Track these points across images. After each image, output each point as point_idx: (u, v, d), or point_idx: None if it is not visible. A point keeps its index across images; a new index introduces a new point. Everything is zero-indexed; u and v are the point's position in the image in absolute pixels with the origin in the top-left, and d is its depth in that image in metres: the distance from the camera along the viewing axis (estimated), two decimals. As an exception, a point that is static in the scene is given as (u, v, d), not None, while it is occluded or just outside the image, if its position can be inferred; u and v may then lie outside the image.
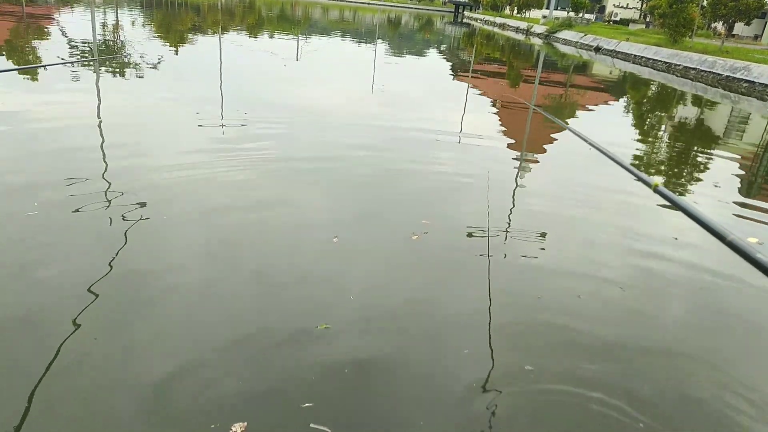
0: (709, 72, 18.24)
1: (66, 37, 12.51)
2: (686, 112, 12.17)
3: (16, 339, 2.35)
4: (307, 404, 2.13)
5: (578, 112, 10.57)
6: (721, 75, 17.63)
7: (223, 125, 6.10)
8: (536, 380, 2.41)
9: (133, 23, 17.55)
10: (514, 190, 5.03)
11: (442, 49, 23.58)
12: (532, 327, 2.84)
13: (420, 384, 2.32)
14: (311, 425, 2.04)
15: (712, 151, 7.98)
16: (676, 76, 18.71)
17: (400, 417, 2.14)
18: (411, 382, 2.33)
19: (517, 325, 2.84)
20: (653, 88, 16.37)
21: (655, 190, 2.00)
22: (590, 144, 2.58)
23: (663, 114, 11.68)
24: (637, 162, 6.87)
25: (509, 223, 4.18)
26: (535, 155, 6.61)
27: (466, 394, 2.29)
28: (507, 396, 2.31)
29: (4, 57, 9.27)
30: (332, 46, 19.16)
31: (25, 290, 2.70)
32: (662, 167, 6.86)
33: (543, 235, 4.02)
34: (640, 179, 2.32)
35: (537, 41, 32.80)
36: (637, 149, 7.68)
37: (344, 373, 2.33)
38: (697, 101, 13.95)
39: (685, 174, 6.60)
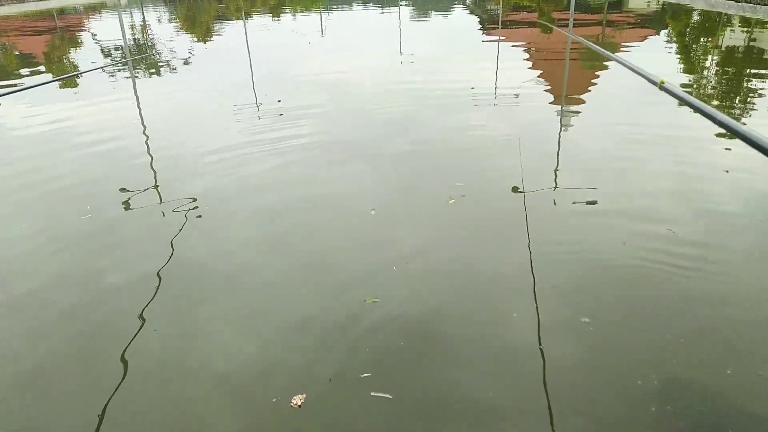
0: (758, -10, 16.98)
1: (98, 42, 12.82)
2: (735, 36, 11.43)
3: (88, 337, 2.48)
4: (365, 374, 2.17)
5: (618, 51, 10.10)
6: (771, -9, 16.38)
7: (259, 113, 6.17)
8: (594, 332, 2.37)
9: (159, 20, 17.82)
10: (558, 141, 4.89)
11: (467, 3, 22.90)
12: (582, 281, 2.78)
13: (474, 347, 2.32)
14: (372, 393, 2.08)
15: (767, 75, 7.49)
16: (721, -1, 17.54)
17: (457, 379, 2.15)
18: (465, 345, 2.33)
19: (567, 281, 2.79)
20: (695, 16, 15.43)
21: (661, 87, 1.91)
22: (602, 51, 2.46)
23: (709, 42, 11.02)
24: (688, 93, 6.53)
25: (555, 178, 4.08)
26: (577, 103, 6.38)
27: (518, 355, 2.28)
28: (559, 355, 2.28)
29: (44, 69, 9.60)
30: (355, 16, 18.90)
31: (91, 290, 2.84)
32: (714, 96, 6.50)
33: (592, 185, 3.90)
34: (645, 78, 2.20)
35: (567, -18, 31.33)
36: (685, 81, 7.30)
37: (398, 343, 2.35)
38: (746, 23, 13.08)
39: (739, 100, 6.24)
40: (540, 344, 2.31)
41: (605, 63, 8.55)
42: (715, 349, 2.26)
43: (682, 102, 1.52)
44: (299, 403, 2.04)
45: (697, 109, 1.55)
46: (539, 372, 2.17)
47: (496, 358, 2.25)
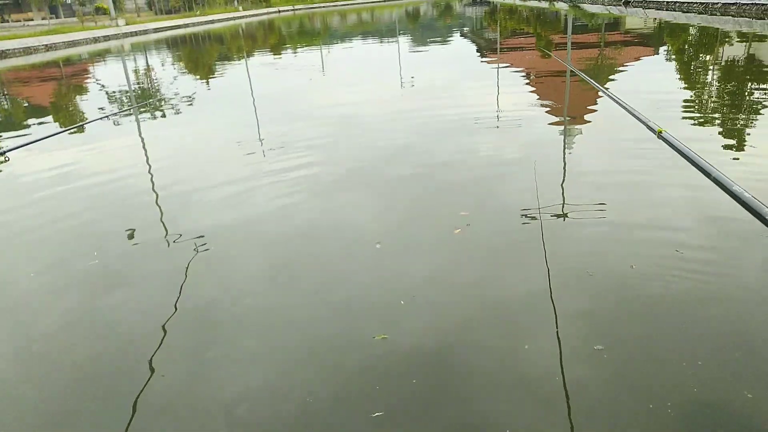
0: (752, 4, 17.15)
1: (104, 89, 13.04)
2: (733, 50, 11.47)
3: (98, 379, 2.42)
4: (377, 413, 2.09)
5: (618, 70, 10.14)
6: (766, 4, 16.53)
7: (263, 148, 6.19)
8: (609, 360, 2.29)
9: (162, 64, 18.13)
10: (564, 163, 4.85)
11: (465, 31, 23.23)
12: (598, 306, 2.71)
13: (485, 383, 2.24)
14: (385, 435, 2.00)
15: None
16: (716, 15, 17.71)
17: (472, 417, 2.06)
18: (476, 380, 2.25)
19: (583, 307, 2.71)
20: (692, 32, 15.55)
21: (659, 136, 1.87)
22: (603, 91, 2.43)
23: (708, 57, 11.06)
24: (689, 111, 6.51)
25: (563, 199, 4.02)
26: (580, 124, 6.36)
27: (537, 390, 2.20)
28: (582, 385, 2.20)
29: (51, 118, 9.75)
30: (355, 50, 19.19)
31: (99, 335, 2.79)
32: (716, 112, 6.47)
33: (601, 204, 3.84)
34: (644, 124, 2.16)
35: (562, 6, 31.83)
36: (686, 98, 7.28)
37: (409, 380, 2.27)
38: (744, 37, 13.14)
39: (741, 117, 6.19)
40: (563, 374, 2.23)
41: (608, 79, 8.57)
42: (735, 371, 2.17)
43: (681, 155, 1.50)
44: (310, 449, 1.96)
45: (692, 163, 1.53)
46: (563, 400, 2.08)
47: (510, 397, 2.17)
